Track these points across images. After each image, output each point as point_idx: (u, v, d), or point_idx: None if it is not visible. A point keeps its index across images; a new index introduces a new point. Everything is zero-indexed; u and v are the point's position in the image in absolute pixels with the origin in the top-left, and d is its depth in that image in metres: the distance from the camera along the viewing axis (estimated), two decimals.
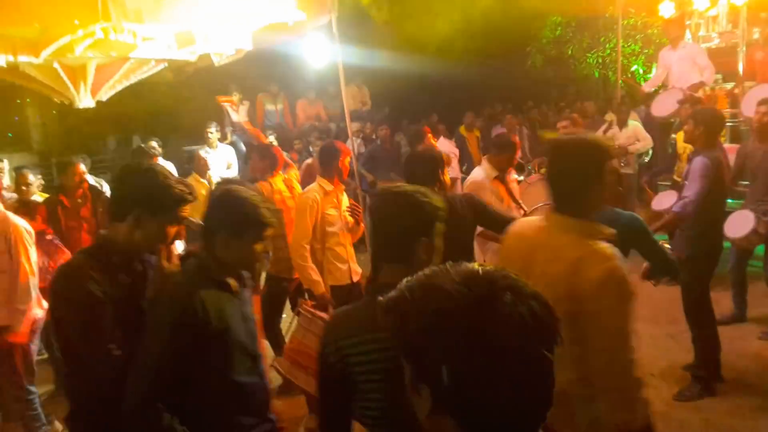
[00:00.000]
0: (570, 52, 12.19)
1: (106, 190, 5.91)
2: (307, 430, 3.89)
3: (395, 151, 8.42)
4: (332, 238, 4.14)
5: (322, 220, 4.10)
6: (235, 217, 2.03)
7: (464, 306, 0.87)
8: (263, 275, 4.73)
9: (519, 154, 4.83)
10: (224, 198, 2.09)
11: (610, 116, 7.57)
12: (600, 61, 12.02)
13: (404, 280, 0.97)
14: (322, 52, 6.80)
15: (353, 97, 10.33)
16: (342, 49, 6.33)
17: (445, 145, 7.69)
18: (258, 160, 5.11)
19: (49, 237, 4.57)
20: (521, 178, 5.92)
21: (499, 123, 9.45)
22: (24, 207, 4.65)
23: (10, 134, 11.00)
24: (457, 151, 8.08)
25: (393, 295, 0.95)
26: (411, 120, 10.38)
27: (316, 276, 4.03)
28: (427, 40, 10.47)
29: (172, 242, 2.27)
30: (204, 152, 6.84)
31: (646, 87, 7.61)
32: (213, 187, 6.30)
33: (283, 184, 4.90)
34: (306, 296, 4.20)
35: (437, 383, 0.87)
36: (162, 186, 2.06)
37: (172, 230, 2.11)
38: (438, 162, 3.36)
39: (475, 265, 0.94)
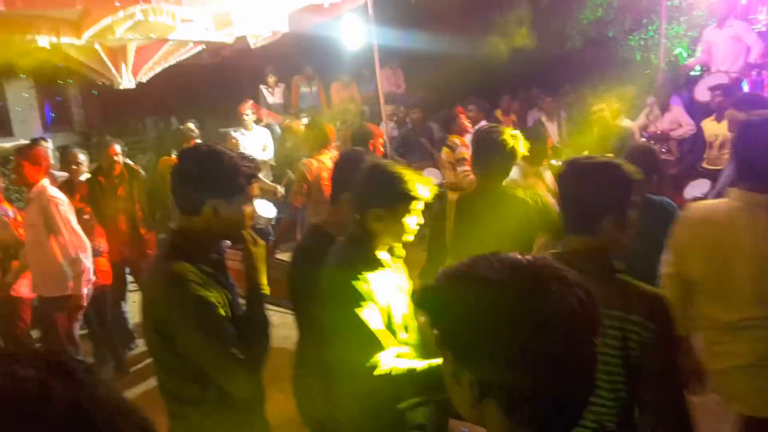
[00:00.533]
0: (611, 34, 11.88)
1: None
2: None
3: (427, 134, 8.36)
4: None
5: None
6: (390, 191, 2.05)
7: (512, 296, 0.87)
8: None
9: (551, 142, 4.76)
10: (376, 172, 2.11)
11: (651, 100, 7.38)
12: (642, 43, 11.68)
13: (440, 271, 0.96)
14: (358, 34, 6.79)
15: (387, 80, 10.27)
16: (377, 31, 6.30)
17: None
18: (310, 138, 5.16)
19: (86, 216, 4.70)
20: (560, 162, 5.83)
21: (536, 107, 9.28)
22: (66, 185, 4.78)
23: (52, 114, 11.27)
24: None
25: (431, 285, 0.95)
26: (445, 103, 10.28)
27: None
28: (464, 20, 10.32)
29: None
30: (240, 134, 6.89)
31: (687, 67, 7.38)
32: None
33: (331, 162, 4.88)
34: None
35: (483, 373, 0.87)
36: (231, 167, 1.90)
37: (249, 210, 2.00)
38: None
39: (517, 255, 0.94)
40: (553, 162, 6.08)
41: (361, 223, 2.10)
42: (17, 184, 4.22)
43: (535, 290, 0.87)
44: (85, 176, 5.50)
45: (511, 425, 0.88)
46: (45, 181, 4.03)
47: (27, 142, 7.98)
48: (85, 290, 4.10)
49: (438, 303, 0.93)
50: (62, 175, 5.51)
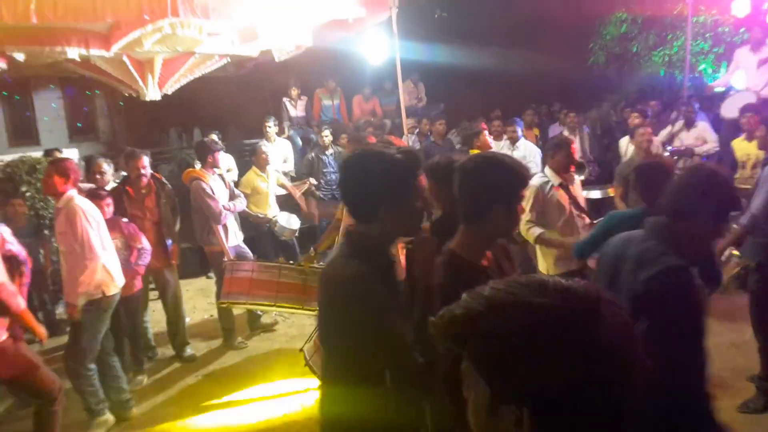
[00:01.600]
0: (635, 50, 11.81)
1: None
2: None
3: (448, 148, 8.35)
4: None
5: None
6: (511, 184, 1.99)
7: (567, 320, 0.85)
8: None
9: (575, 152, 4.71)
10: (490, 166, 2.00)
11: (675, 116, 7.31)
12: (666, 59, 11.59)
13: (467, 297, 0.92)
14: (380, 48, 6.82)
15: (409, 93, 10.31)
16: (400, 45, 6.32)
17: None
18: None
19: (125, 220, 4.79)
20: (582, 177, 5.78)
21: (558, 121, 9.23)
22: (92, 195, 4.82)
23: (79, 124, 11.47)
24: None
25: (462, 313, 0.90)
26: (466, 117, 10.28)
27: None
28: (486, 34, 10.34)
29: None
30: (262, 146, 6.96)
31: (715, 85, 7.30)
32: (269, 181, 6.43)
33: None
34: None
35: (531, 403, 0.84)
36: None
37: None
38: None
39: (548, 278, 0.92)
40: (576, 177, 6.03)
41: (487, 223, 1.99)
42: (45, 194, 4.31)
43: (588, 313, 0.85)
44: (110, 185, 5.59)
45: None
46: (72, 191, 4.08)
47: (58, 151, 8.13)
48: (81, 301, 4.04)
49: (475, 333, 0.88)
50: (89, 186, 5.59)
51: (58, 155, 6.44)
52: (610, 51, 12.02)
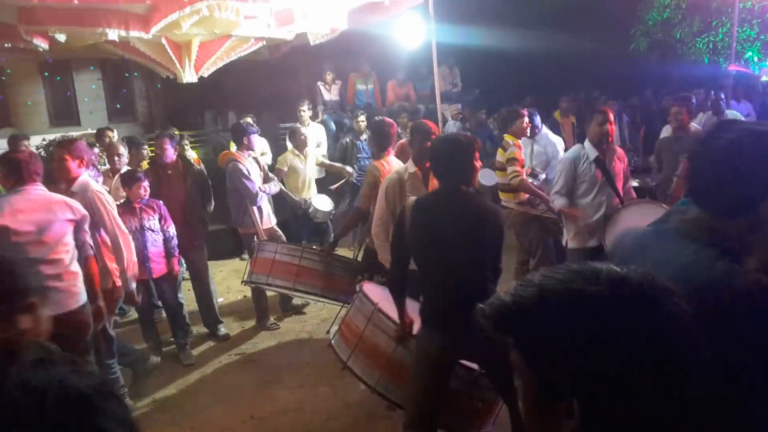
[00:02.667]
0: (678, 36, 11.45)
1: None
2: (388, 407, 3.91)
3: (486, 134, 8.25)
4: None
5: (401, 202, 4.03)
6: None
7: (620, 310, 0.82)
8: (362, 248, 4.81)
9: (613, 128, 4.61)
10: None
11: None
12: (711, 46, 11.22)
13: (518, 285, 0.89)
14: (416, 32, 6.75)
15: (444, 78, 10.20)
16: (436, 29, 6.24)
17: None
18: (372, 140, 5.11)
19: (160, 202, 4.90)
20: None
21: (596, 109, 9.04)
22: (129, 177, 4.88)
23: (118, 105, 11.66)
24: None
25: (512, 301, 0.87)
26: (502, 103, 10.15)
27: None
28: (524, 18, 10.15)
29: None
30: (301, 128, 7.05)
31: (763, 74, 7.05)
32: (307, 162, 6.46)
33: (397, 163, 4.75)
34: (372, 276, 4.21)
35: (582, 391, 0.82)
36: None
37: None
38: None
39: (602, 265, 0.88)
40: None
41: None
42: (58, 177, 3.97)
43: (641, 303, 0.83)
44: (125, 168, 5.70)
45: None
46: (86, 175, 4.02)
47: (93, 131, 8.30)
48: (133, 285, 4.08)
49: (525, 321, 0.86)
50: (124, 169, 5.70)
51: (110, 134, 6.53)
52: (652, 37, 11.68)
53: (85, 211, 3.56)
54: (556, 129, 8.30)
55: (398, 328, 3.07)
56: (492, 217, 2.82)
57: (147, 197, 4.79)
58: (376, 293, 3.47)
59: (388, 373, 3.12)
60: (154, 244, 4.77)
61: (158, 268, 4.81)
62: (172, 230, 4.89)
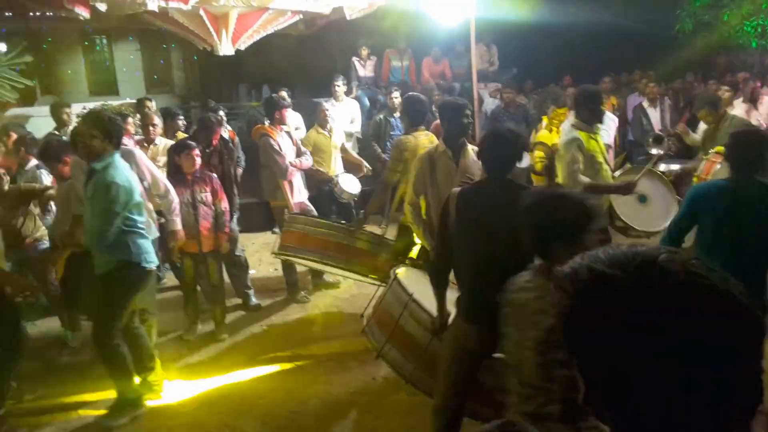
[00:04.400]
0: (726, 18, 11.04)
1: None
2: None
3: (520, 114, 8.11)
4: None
5: (432, 183, 3.97)
6: None
7: (645, 299, 0.77)
8: None
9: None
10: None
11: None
12: (759, 30, 10.79)
13: (573, 271, 0.85)
14: (453, 8, 6.63)
15: (480, 57, 10.04)
16: (476, 5, 6.14)
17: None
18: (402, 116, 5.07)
19: (214, 175, 4.96)
20: (661, 152, 5.52)
21: (637, 91, 8.81)
22: (180, 146, 4.93)
23: (155, 76, 11.81)
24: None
25: (587, 277, 0.82)
26: (539, 83, 9.95)
27: (425, 235, 4.00)
28: None
29: None
30: (330, 105, 6.93)
31: None
32: (331, 139, 6.40)
33: (427, 139, 4.73)
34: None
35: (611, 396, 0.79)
36: None
37: None
38: None
39: (646, 250, 0.83)
40: (653, 150, 5.75)
41: None
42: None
43: (675, 294, 0.77)
44: (160, 140, 5.77)
45: None
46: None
47: (132, 101, 8.42)
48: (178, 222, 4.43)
49: (566, 302, 0.82)
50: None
51: (149, 105, 6.62)
52: (699, 19, 11.28)
53: None
54: None
55: (435, 320, 3.02)
56: None
57: (198, 167, 4.80)
58: (411, 279, 3.45)
59: (423, 365, 3.12)
60: (205, 217, 4.78)
61: (207, 242, 4.84)
62: (224, 205, 4.90)
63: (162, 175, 4.50)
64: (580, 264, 0.84)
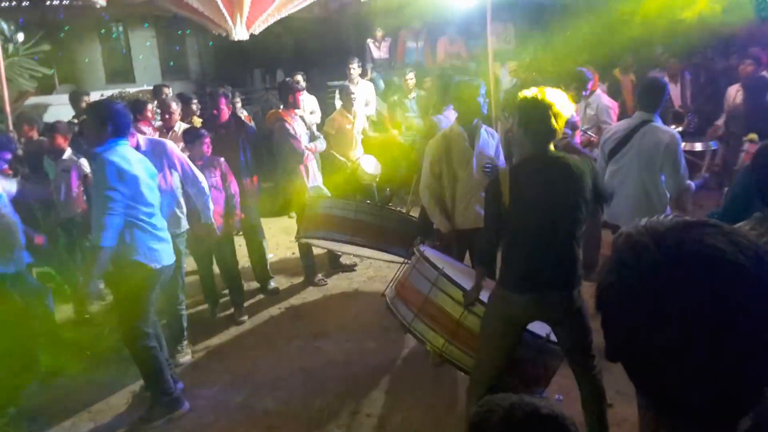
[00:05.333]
0: None
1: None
2: (434, 363, 3.97)
3: None
4: (463, 181, 3.99)
5: (449, 164, 3.99)
6: None
7: (670, 277, 0.76)
8: None
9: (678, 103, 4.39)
10: None
11: None
12: None
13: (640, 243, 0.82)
14: None
15: (497, 36, 9.89)
16: None
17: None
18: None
19: (222, 159, 4.93)
20: (680, 129, 5.41)
21: (658, 66, 8.62)
22: (191, 134, 4.95)
23: (171, 63, 11.85)
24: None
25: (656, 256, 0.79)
26: (558, 62, 9.78)
27: (440, 217, 4.04)
28: None
29: None
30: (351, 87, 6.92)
31: None
32: (355, 122, 6.40)
33: None
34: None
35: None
36: None
37: None
38: None
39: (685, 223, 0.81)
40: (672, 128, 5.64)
41: None
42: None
43: (703, 273, 0.75)
44: (179, 125, 5.77)
45: None
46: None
47: (149, 88, 8.47)
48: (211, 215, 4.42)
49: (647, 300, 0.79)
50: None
51: (167, 91, 6.64)
52: None
53: None
54: (615, 87, 8.02)
55: (470, 294, 3.10)
56: (585, 174, 2.82)
57: (209, 155, 4.81)
58: (432, 256, 3.47)
59: (455, 338, 3.15)
60: (216, 201, 4.76)
61: (218, 226, 4.82)
62: (234, 188, 4.92)
63: (195, 170, 4.34)
64: (626, 230, 0.83)
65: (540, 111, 2.79)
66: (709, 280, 0.73)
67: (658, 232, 0.79)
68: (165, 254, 3.64)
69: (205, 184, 4.38)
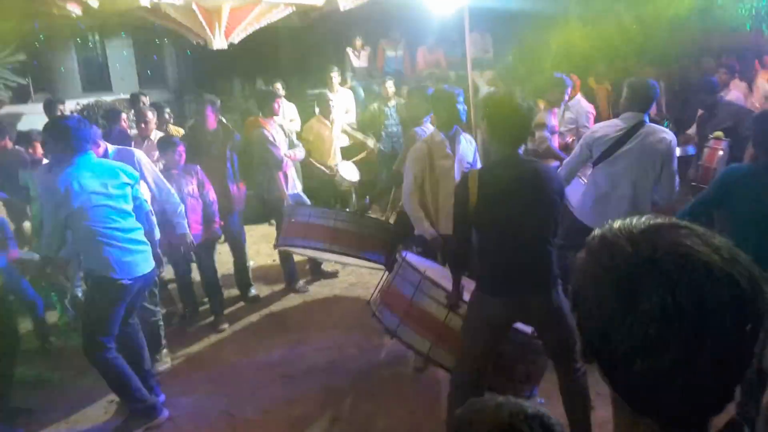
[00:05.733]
0: (719, 3, 11.03)
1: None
2: (416, 369, 3.99)
3: None
4: (445, 188, 4.00)
5: (431, 171, 4.02)
6: None
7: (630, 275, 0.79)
8: None
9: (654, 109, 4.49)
10: None
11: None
12: (753, 12, 10.79)
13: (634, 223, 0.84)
14: None
15: (475, 45, 10.01)
16: None
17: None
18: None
19: (197, 167, 4.90)
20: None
21: (633, 75, 8.79)
22: (165, 142, 4.93)
23: (149, 72, 11.76)
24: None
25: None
26: (534, 70, 9.93)
27: (426, 223, 4.04)
28: None
29: None
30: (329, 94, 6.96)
31: None
32: (333, 129, 6.43)
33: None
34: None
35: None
36: None
37: None
38: None
39: (658, 221, 0.84)
40: None
41: None
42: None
43: (667, 270, 0.77)
44: (155, 134, 5.73)
45: None
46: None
47: (126, 96, 8.40)
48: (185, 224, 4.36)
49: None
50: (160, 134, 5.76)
51: (144, 100, 6.61)
52: (692, 2, 11.27)
53: None
54: (590, 96, 8.15)
55: (451, 296, 3.12)
56: (553, 179, 2.86)
57: (183, 163, 4.79)
58: (415, 261, 3.50)
59: (441, 340, 3.16)
60: (193, 210, 4.75)
61: (195, 233, 4.81)
62: (212, 195, 4.90)
63: (164, 180, 4.29)
64: (601, 231, 0.86)
65: (506, 113, 2.80)
66: (683, 280, 0.74)
67: (633, 234, 0.80)
68: (139, 265, 3.58)
69: (175, 194, 4.32)
